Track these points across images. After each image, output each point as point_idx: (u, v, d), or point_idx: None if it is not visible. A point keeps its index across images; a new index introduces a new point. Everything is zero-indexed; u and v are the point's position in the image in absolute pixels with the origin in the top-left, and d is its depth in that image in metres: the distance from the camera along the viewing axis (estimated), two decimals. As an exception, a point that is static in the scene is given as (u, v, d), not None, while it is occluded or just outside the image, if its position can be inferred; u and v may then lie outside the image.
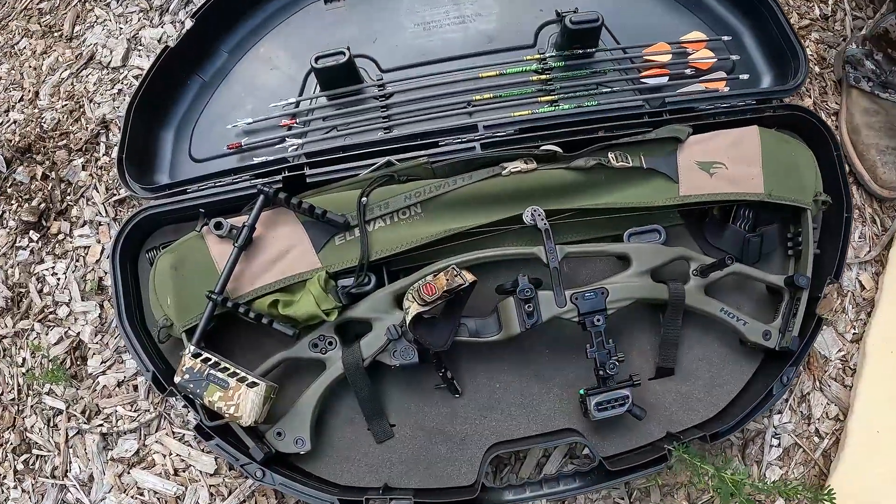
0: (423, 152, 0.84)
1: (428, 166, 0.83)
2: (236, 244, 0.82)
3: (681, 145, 0.85)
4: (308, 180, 0.86)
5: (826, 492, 0.75)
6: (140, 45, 1.06)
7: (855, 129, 0.99)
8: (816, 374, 0.94)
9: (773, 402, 0.85)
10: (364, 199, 0.83)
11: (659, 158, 0.85)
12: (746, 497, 0.77)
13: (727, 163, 0.86)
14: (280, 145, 0.93)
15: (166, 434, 0.92)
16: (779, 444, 0.92)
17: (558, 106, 0.90)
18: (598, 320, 0.78)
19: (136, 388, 0.95)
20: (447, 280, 0.77)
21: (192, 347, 0.83)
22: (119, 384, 0.95)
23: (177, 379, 0.81)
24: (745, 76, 0.95)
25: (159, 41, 1.06)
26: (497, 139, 0.84)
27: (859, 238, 0.99)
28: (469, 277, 0.78)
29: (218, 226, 0.84)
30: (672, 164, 0.84)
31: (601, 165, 0.83)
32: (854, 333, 0.96)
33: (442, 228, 0.82)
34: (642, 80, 0.93)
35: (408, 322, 0.77)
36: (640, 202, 0.83)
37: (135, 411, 0.94)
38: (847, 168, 0.99)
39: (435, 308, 0.79)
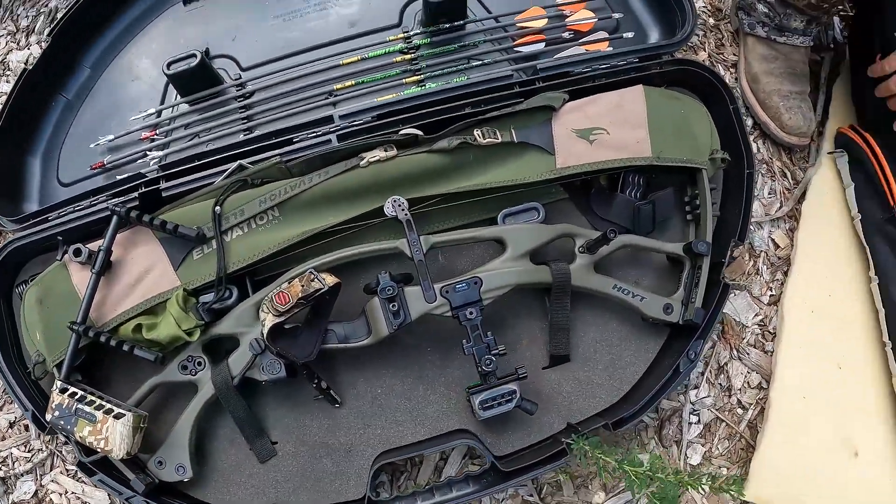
0: (276, 151, 0.72)
1: (282, 166, 0.71)
2: (94, 270, 0.71)
3: (555, 114, 0.73)
4: (164, 194, 0.74)
5: (733, 481, 0.63)
6: (8, 69, 0.94)
7: (754, 77, 0.86)
8: (733, 343, 0.82)
9: (681, 380, 0.73)
10: (218, 208, 0.71)
11: (531, 130, 0.72)
12: (665, 481, 0.65)
13: (609, 128, 0.73)
14: (143, 160, 0.81)
15: (60, 472, 0.83)
16: (698, 421, 0.80)
17: (425, 86, 0.77)
18: (472, 313, 0.66)
19: (27, 427, 0.84)
20: (303, 286, 0.65)
21: (59, 383, 0.72)
22: (11, 425, 0.85)
23: (48, 416, 0.71)
24: (630, 34, 0.82)
25: (26, 63, 0.94)
26: (355, 128, 0.71)
27: (769, 194, 0.86)
28: (330, 280, 0.67)
29: (77, 252, 0.73)
30: (546, 135, 0.72)
31: (467, 144, 0.70)
32: (771, 295, 0.84)
33: (301, 230, 0.70)
34: (516, 49, 0.79)
35: (264, 335, 0.65)
36: (514, 179, 0.71)
37: (29, 451, 0.84)
38: (750, 121, 0.86)
39: (296, 316, 0.68)
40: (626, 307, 0.73)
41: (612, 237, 0.68)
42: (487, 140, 0.71)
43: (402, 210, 0.68)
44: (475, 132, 0.71)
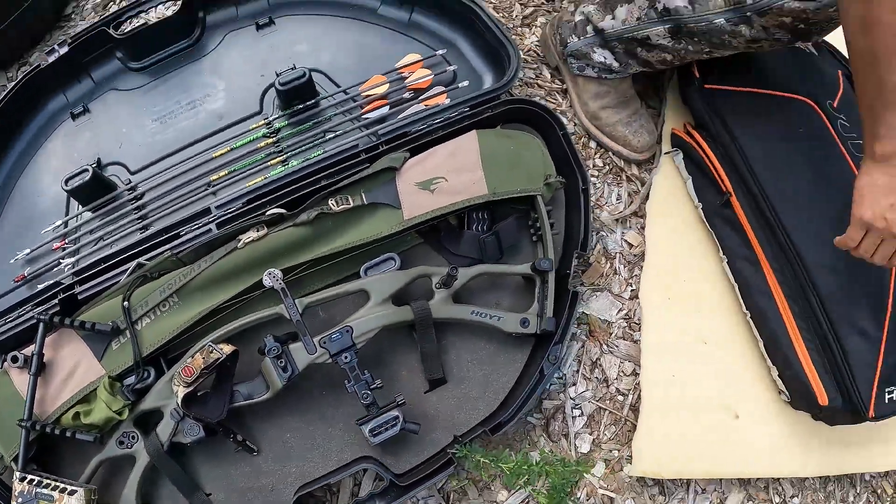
0: (167, 245, 1.03)
1: (174, 258, 1.03)
2: (31, 373, 1.03)
3: (398, 172, 1.03)
4: (80, 297, 1.05)
5: (577, 464, 0.93)
6: (-74, 202, 1.26)
7: (594, 115, 1.16)
8: (602, 339, 1.12)
9: (547, 381, 1.03)
10: (126, 303, 1.02)
11: (379, 190, 1.03)
12: (555, 472, 0.95)
13: (447, 175, 1.03)
14: (58, 268, 1.13)
15: (31, 552, 1.13)
16: (582, 414, 1.10)
17: (288, 164, 1.08)
18: (347, 357, 0.97)
19: (-3, 519, 1.16)
20: (203, 358, 0.96)
21: (18, 473, 1.03)
22: (-17, 519, 1.16)
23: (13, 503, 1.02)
24: (465, 83, 1.12)
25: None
26: (231, 215, 1.03)
27: (617, 199, 1.16)
28: (227, 349, 0.97)
29: (14, 359, 1.04)
30: (392, 193, 1.02)
31: (324, 214, 1.01)
32: (631, 290, 1.14)
33: (197, 311, 1.01)
34: (365, 117, 1.11)
35: (179, 404, 0.97)
36: (369, 236, 1.01)
37: (1, 538, 1.15)
38: (594, 144, 1.16)
39: (205, 383, 0.99)
40: (489, 328, 1.04)
41: (455, 273, 0.98)
42: (341, 207, 1.02)
43: (277, 280, 0.99)
44: (330, 202, 1.02)
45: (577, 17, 1.10)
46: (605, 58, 1.09)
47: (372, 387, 0.97)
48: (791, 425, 1.07)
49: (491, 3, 1.26)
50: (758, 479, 1.15)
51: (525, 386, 1.01)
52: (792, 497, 1.20)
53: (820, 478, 1.19)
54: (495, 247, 1.04)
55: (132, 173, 1.13)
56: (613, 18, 1.03)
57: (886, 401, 1.00)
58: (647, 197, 1.15)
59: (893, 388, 1.01)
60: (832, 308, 0.99)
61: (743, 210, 1.07)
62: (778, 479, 1.16)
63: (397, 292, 1.00)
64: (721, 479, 1.12)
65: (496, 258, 1.05)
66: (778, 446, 1.07)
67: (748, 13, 0.86)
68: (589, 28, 1.08)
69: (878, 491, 1.27)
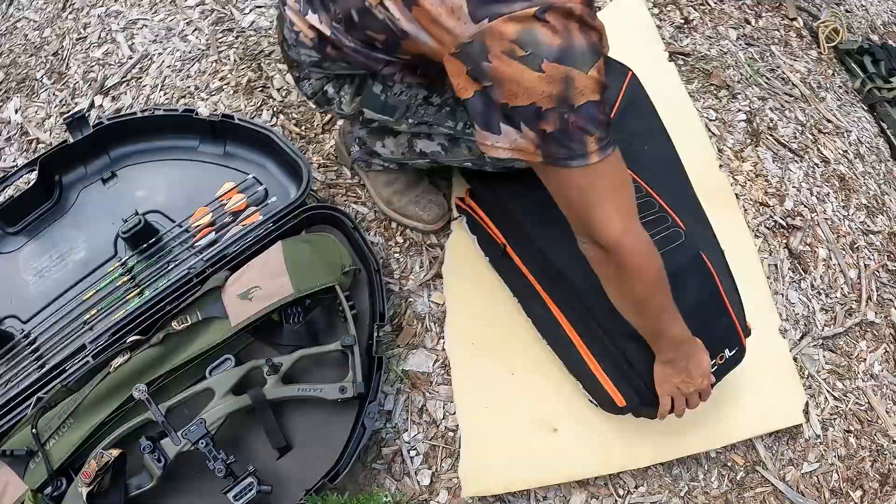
0: (58, 380, 1.60)
1: (64, 388, 1.60)
2: (-27, 497, 1.61)
3: (222, 289, 1.59)
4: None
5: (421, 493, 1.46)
6: None
7: (388, 200, 1.69)
8: (423, 389, 1.64)
9: (369, 432, 1.56)
10: (34, 430, 1.60)
11: (210, 306, 1.58)
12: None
13: (261, 283, 1.58)
14: (-18, 409, 1.71)
15: None
16: (418, 453, 1.63)
17: (143, 296, 1.65)
18: (204, 443, 1.52)
19: None
20: (97, 462, 1.53)
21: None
22: None
23: None
24: (274, 199, 1.67)
25: None
26: (103, 347, 1.59)
27: (420, 267, 1.69)
28: (115, 452, 1.54)
29: (-41, 489, 1.63)
30: (220, 307, 1.57)
31: (169, 335, 1.57)
32: (443, 342, 1.66)
33: (88, 427, 1.58)
34: (197, 245, 1.66)
35: (84, 502, 1.53)
36: (208, 345, 1.57)
37: None
38: (395, 224, 1.69)
39: (104, 482, 1.55)
40: (317, 399, 1.58)
41: (274, 362, 1.53)
42: (182, 326, 1.57)
43: (143, 393, 1.55)
44: (173, 323, 1.58)
45: (356, 135, 1.63)
46: (385, 162, 1.63)
47: (228, 462, 1.52)
48: (613, 425, 1.55)
49: (294, 117, 1.80)
50: (596, 478, 1.65)
51: (355, 440, 1.55)
52: (636, 487, 1.69)
53: (663, 464, 1.66)
54: (312, 333, 1.58)
55: (24, 322, 1.71)
56: (384, 146, 1.56)
57: None
58: (444, 260, 1.67)
59: None
60: (607, 323, 1.46)
61: (518, 256, 1.58)
62: (618, 474, 1.64)
63: (235, 385, 1.55)
64: (560, 484, 1.62)
65: (314, 342, 1.59)
66: (602, 446, 1.56)
67: (488, 159, 1.38)
68: (364, 147, 1.61)
69: (729, 464, 1.75)
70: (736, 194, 2.14)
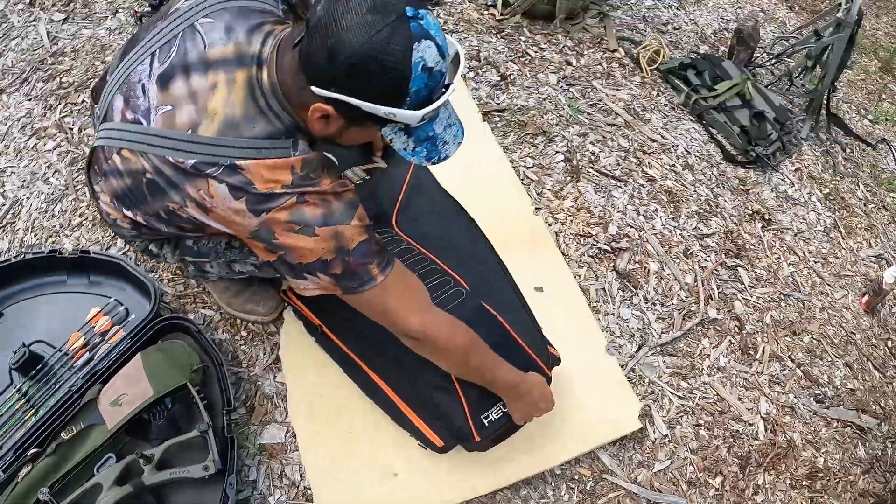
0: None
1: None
2: None
3: (97, 400, 1.93)
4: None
5: None
6: None
7: (228, 302, 2.06)
8: (279, 457, 1.99)
9: (233, 501, 1.90)
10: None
11: (90, 415, 1.93)
12: None
13: (127, 391, 1.93)
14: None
15: None
16: None
17: (38, 415, 2.00)
18: (98, 532, 1.86)
19: None
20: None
21: None
22: None
23: None
24: (133, 316, 2.02)
25: None
26: (10, 461, 1.94)
27: (263, 354, 2.04)
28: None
29: None
30: (97, 415, 1.92)
31: (60, 443, 1.92)
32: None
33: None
34: (75, 365, 2.01)
35: None
36: (92, 448, 1.91)
37: None
38: (237, 321, 2.04)
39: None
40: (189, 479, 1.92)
41: (143, 454, 1.88)
42: (69, 435, 1.92)
43: (45, 495, 1.89)
44: (62, 434, 1.93)
45: None
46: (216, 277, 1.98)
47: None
48: (448, 462, 1.90)
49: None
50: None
51: (225, 508, 1.89)
52: (485, 511, 2.01)
53: (510, 487, 1.96)
54: (174, 425, 1.93)
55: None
56: (211, 268, 1.91)
57: (487, 424, 1.81)
58: (279, 344, 2.02)
59: (488, 413, 1.80)
60: (416, 380, 1.84)
61: (333, 334, 1.94)
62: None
63: (118, 477, 1.89)
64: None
65: (178, 432, 1.93)
66: (440, 482, 1.90)
67: None
68: (196, 268, 1.96)
69: (576, 477, 2.05)
70: (556, 232, 2.50)
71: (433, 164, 1.38)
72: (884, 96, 4.65)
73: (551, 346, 1.98)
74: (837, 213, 3.28)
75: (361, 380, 1.95)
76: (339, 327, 1.92)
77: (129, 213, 1.54)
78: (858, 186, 3.57)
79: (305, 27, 1.21)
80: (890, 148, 4.05)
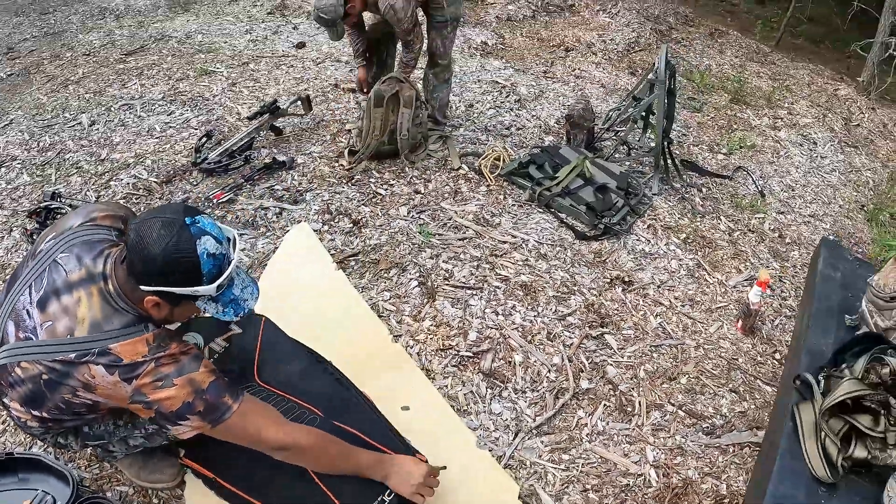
0: None
1: None
2: None
3: None
4: None
5: None
6: None
7: (136, 475, 2.15)
8: None
9: None
10: None
11: None
12: None
13: None
14: None
15: None
16: None
17: None
18: None
19: None
20: None
21: None
22: None
23: None
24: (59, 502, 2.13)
25: None
26: None
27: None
28: None
29: None
30: None
31: None
32: None
33: None
34: None
35: None
36: None
37: None
38: (149, 491, 2.16)
39: None
40: None
41: None
42: None
43: None
44: None
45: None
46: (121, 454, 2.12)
47: None
48: None
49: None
50: None
51: None
52: None
53: None
54: None
55: None
56: (114, 448, 2.06)
57: None
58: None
59: None
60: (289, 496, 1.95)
61: (221, 479, 2.06)
62: None
63: None
64: None
65: None
66: None
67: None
68: (102, 450, 2.10)
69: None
70: (418, 353, 2.69)
71: (240, 318, 1.78)
72: (734, 126, 5.01)
73: (418, 452, 2.13)
74: (700, 253, 3.50)
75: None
76: (225, 473, 2.07)
77: (35, 412, 1.78)
78: (720, 220, 3.82)
79: (125, 248, 1.66)
80: (747, 172, 4.35)
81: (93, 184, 3.59)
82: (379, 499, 1.94)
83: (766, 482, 2.00)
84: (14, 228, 3.26)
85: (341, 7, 3.27)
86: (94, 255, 1.76)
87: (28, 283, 1.78)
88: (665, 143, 3.89)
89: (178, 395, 1.67)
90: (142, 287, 1.65)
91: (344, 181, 3.61)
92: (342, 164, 3.73)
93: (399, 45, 3.78)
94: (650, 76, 3.87)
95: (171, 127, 4.15)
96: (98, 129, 4.14)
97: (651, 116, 3.93)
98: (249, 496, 2.05)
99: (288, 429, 1.86)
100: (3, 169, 3.73)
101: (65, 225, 1.88)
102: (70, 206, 3.25)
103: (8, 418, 2.39)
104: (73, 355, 1.65)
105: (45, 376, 1.69)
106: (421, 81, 4.07)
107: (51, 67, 5.19)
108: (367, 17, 3.75)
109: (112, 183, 3.59)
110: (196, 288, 1.66)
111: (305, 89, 4.58)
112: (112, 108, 4.37)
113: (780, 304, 3.31)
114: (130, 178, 3.63)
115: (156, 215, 1.65)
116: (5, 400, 1.87)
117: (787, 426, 2.14)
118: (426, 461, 2.07)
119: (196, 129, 4.10)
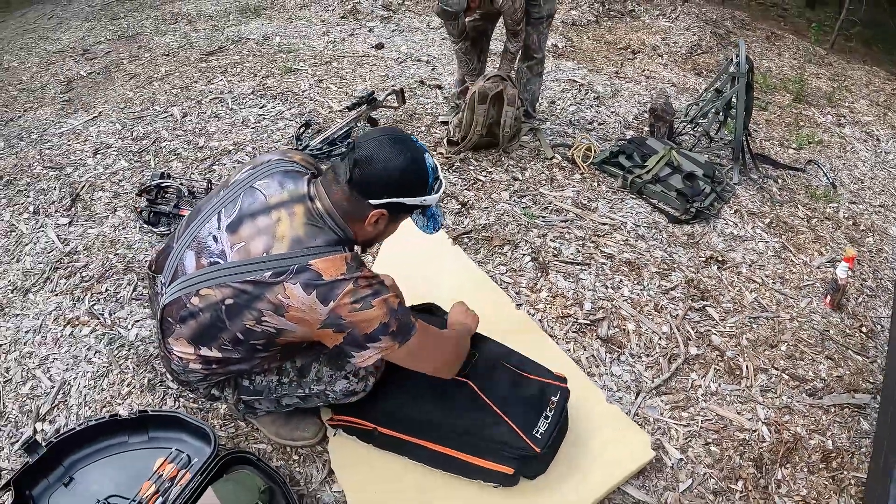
0: None
1: None
2: None
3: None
4: None
5: None
6: None
7: (277, 433, 2.31)
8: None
9: None
10: None
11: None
12: None
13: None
14: None
15: None
16: None
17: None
18: None
19: None
20: None
21: None
22: None
23: None
24: (196, 459, 2.39)
25: None
26: None
27: (317, 471, 2.39)
28: None
29: None
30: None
31: None
32: None
33: None
34: (170, 540, 2.35)
35: None
36: None
37: None
38: (288, 448, 2.41)
39: None
40: None
41: None
42: None
43: None
44: None
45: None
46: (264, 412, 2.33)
47: None
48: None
49: (192, 397, 2.47)
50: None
51: None
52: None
53: None
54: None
55: None
56: (260, 405, 2.26)
57: (539, 436, 2.09)
58: (331, 459, 2.33)
59: (536, 427, 2.11)
60: (469, 430, 2.10)
61: (391, 429, 2.23)
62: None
63: None
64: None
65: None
66: None
67: (329, 393, 2.13)
68: (245, 407, 2.29)
69: None
70: (540, 320, 2.90)
71: (436, 230, 1.92)
72: (801, 123, 5.20)
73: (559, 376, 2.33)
74: (784, 236, 3.70)
75: (426, 455, 2.19)
76: (390, 422, 2.21)
77: (204, 350, 1.81)
78: (798, 208, 4.02)
79: (350, 166, 1.73)
80: (818, 165, 4.55)
81: (195, 168, 3.84)
82: (543, 414, 2.14)
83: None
84: (118, 209, 3.50)
85: (465, 0, 3.51)
86: (296, 181, 1.78)
87: (216, 210, 1.78)
88: (745, 135, 4.10)
89: (376, 316, 1.69)
90: (371, 201, 1.72)
91: (444, 168, 3.86)
92: (441, 153, 3.99)
93: (504, 41, 4.01)
94: (731, 69, 4.09)
95: (264, 119, 4.41)
96: (191, 119, 4.41)
97: (731, 110, 4.15)
98: (418, 438, 2.19)
99: (449, 343, 2.04)
100: (99, 155, 4.00)
101: (261, 160, 1.89)
102: (180, 185, 3.43)
103: (135, 379, 2.54)
104: (268, 273, 1.64)
105: (228, 301, 1.69)
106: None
107: (131, 66, 5.53)
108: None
109: (215, 167, 3.84)
110: (424, 197, 1.77)
111: (393, 85, 4.85)
112: (203, 102, 4.66)
113: (861, 285, 3.49)
114: (234, 163, 3.89)
115: (378, 135, 1.75)
116: (169, 340, 1.85)
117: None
118: (566, 387, 2.28)
119: (290, 121, 4.36)
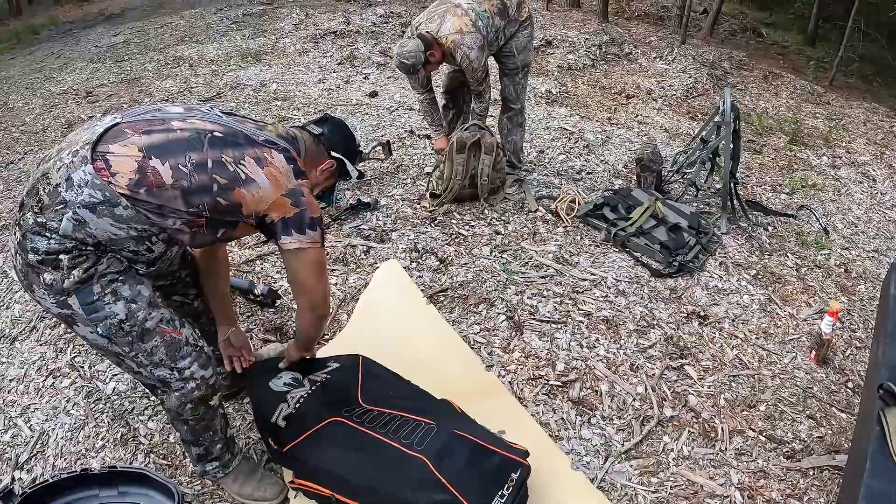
0: None
1: None
2: None
3: None
4: None
5: None
6: None
7: (239, 493, 2.33)
8: None
9: None
10: None
11: None
12: None
13: None
14: None
15: None
16: None
17: None
18: None
19: None
20: None
21: None
22: None
23: None
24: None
25: None
26: None
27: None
28: None
29: None
30: None
31: None
32: None
33: None
34: None
35: None
36: None
37: None
38: None
39: None
40: None
41: None
42: None
43: None
44: None
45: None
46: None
47: None
48: None
49: (161, 453, 2.47)
50: None
51: None
52: None
53: None
54: None
55: None
56: None
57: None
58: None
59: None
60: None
61: (344, 496, 2.23)
62: None
63: None
64: None
65: None
66: None
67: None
68: (200, 465, 2.31)
69: None
70: (510, 382, 2.86)
71: (329, 207, 2.43)
72: (795, 166, 5.16)
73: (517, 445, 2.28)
74: (771, 288, 3.65)
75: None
76: (346, 490, 2.17)
77: (153, 162, 1.70)
78: (787, 256, 3.97)
79: (322, 124, 2.21)
80: (810, 210, 4.49)
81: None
82: (499, 493, 2.09)
83: (859, 483, 2.10)
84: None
85: (422, 54, 3.56)
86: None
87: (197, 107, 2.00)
88: (732, 184, 4.07)
89: (319, 209, 1.98)
90: (331, 153, 2.16)
91: (427, 222, 3.86)
92: (424, 206, 3.99)
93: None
94: (716, 118, 4.08)
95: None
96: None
97: (718, 158, 4.13)
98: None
99: (328, 286, 2.21)
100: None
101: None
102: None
103: (109, 433, 2.54)
104: (262, 138, 1.90)
105: (217, 133, 1.82)
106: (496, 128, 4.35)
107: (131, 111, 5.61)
108: (443, 68, 4.05)
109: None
110: (354, 168, 2.24)
111: (382, 136, 4.89)
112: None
113: (850, 336, 3.42)
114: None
115: (340, 121, 2.31)
116: (111, 146, 1.70)
117: (874, 431, 2.23)
118: (528, 465, 2.22)
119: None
